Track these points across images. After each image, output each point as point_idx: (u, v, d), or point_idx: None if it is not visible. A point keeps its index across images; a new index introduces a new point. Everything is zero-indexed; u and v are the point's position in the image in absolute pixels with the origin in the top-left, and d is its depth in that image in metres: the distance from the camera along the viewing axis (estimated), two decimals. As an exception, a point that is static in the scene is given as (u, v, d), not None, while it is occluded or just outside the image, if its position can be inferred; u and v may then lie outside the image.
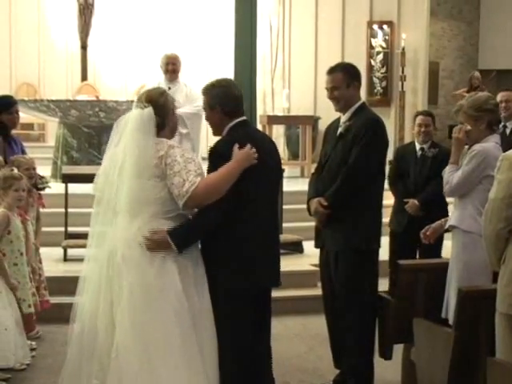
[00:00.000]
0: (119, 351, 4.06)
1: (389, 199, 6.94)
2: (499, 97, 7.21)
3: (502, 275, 3.91)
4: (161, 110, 4.34)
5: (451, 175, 4.81)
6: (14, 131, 7.15)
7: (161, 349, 4.06)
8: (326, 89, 5.26)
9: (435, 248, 6.32)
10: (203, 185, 4.15)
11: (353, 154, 5.05)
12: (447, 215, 6.83)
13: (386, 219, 6.44)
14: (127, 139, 4.25)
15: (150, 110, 4.29)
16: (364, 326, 5.12)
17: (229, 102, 4.38)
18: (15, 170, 5.89)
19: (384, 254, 6.48)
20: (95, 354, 4.18)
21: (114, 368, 4.07)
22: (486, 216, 3.95)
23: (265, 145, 4.42)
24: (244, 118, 4.45)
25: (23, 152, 6.89)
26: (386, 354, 5.18)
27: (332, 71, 5.22)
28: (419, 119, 7.05)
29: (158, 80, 9.00)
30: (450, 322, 4.56)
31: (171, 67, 8.81)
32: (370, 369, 5.17)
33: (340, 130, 5.20)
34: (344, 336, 5.17)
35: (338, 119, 5.30)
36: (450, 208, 6.92)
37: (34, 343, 6.12)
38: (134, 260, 4.14)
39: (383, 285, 6.71)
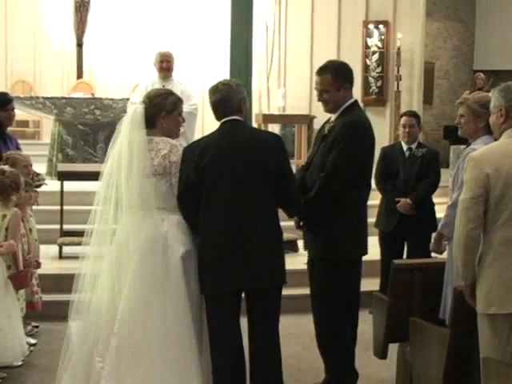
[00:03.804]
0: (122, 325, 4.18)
1: (375, 199, 6.90)
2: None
3: (478, 276, 3.89)
4: (152, 109, 4.38)
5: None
6: (9, 128, 7.14)
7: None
8: (316, 89, 4.96)
9: (423, 246, 6.36)
10: None
11: (329, 162, 4.75)
12: (434, 215, 6.89)
13: (372, 219, 6.39)
14: (122, 137, 4.34)
15: (140, 107, 4.40)
16: (335, 334, 5.02)
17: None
18: (7, 167, 5.77)
19: (374, 254, 6.51)
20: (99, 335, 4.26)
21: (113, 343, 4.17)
22: (457, 218, 3.92)
23: (221, 148, 4.28)
24: (228, 118, 4.36)
25: (18, 149, 6.85)
26: (381, 354, 5.18)
27: (321, 72, 4.88)
28: (403, 119, 7.12)
29: (152, 79, 8.90)
30: (448, 322, 4.57)
31: (165, 65, 8.73)
32: (350, 370, 5.01)
33: (325, 130, 4.96)
34: None
35: (330, 119, 5.05)
36: (437, 208, 6.99)
37: (32, 341, 6.11)
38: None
39: (374, 284, 6.77)
